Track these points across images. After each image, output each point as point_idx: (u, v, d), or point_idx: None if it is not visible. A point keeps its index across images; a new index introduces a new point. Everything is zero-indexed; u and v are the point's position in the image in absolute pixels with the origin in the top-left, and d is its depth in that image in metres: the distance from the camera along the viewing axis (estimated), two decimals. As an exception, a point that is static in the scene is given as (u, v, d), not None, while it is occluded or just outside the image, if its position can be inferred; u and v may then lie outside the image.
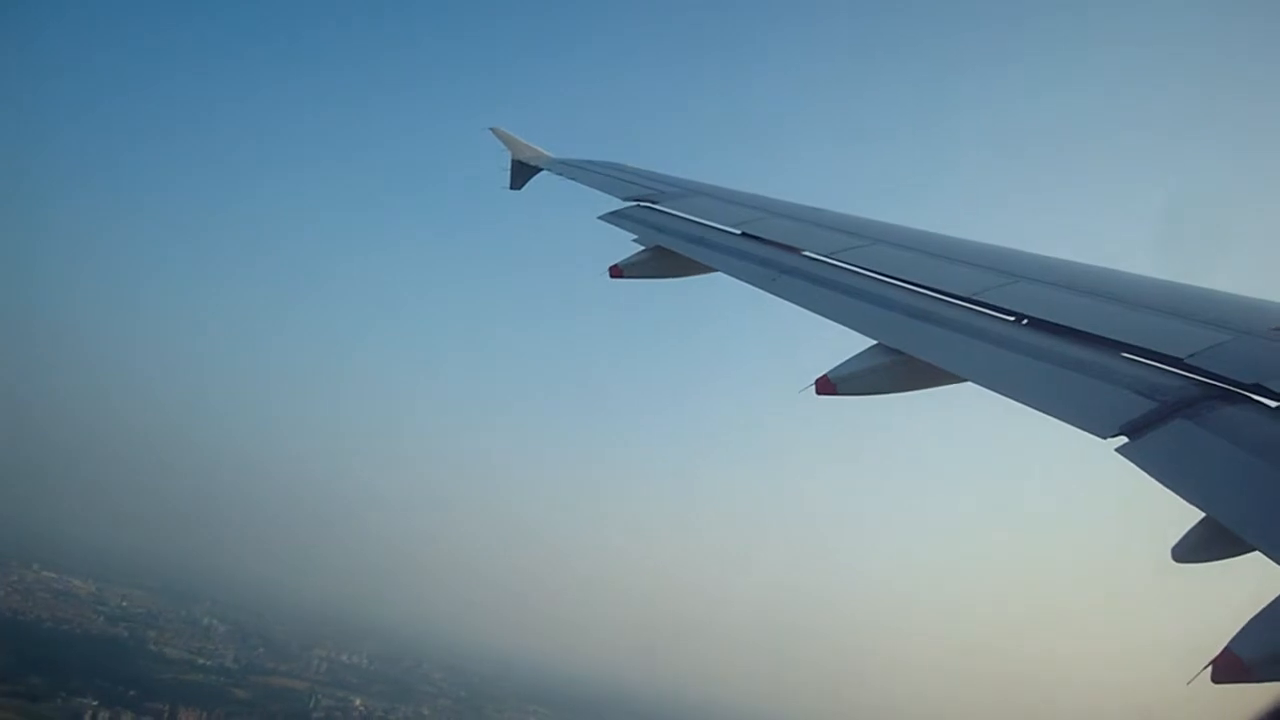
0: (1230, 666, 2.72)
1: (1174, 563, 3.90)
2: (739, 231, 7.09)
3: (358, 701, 78.58)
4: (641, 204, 8.25)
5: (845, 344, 5.10)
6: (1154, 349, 4.17)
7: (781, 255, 6.49)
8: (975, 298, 5.15)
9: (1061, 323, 4.67)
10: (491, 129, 11.43)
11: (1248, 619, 2.80)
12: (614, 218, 8.16)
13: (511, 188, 10.99)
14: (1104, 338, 4.42)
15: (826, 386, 4.91)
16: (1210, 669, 2.74)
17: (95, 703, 60.61)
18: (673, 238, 7.41)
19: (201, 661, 78.25)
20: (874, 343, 5.04)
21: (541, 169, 10.61)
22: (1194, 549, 3.77)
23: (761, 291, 6.04)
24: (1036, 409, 4.04)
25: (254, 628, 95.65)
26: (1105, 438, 3.68)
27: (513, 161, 10.93)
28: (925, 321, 5.15)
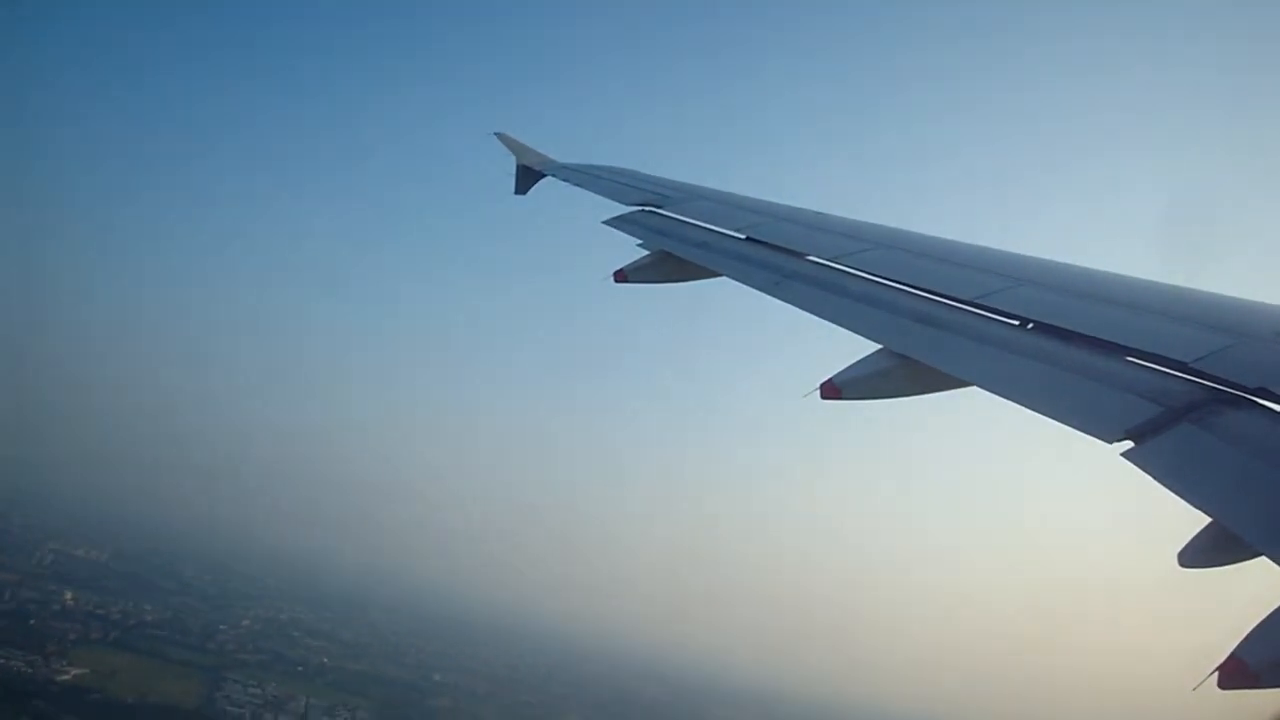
0: (1237, 672, 2.70)
1: (1180, 568, 3.89)
2: (743, 236, 7.10)
3: (68, 595, 71.48)
4: (646, 209, 8.26)
5: (850, 348, 5.08)
6: (1159, 353, 4.14)
7: (786, 260, 6.48)
8: (979, 302, 5.12)
9: (1066, 327, 4.64)
10: (497, 134, 11.44)
11: (1254, 624, 2.79)
12: (618, 222, 8.16)
13: (516, 193, 11.00)
14: (1109, 342, 4.40)
15: (831, 391, 4.87)
16: (1217, 675, 2.72)
17: None
18: (677, 242, 7.42)
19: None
20: (879, 347, 5.01)
21: (546, 174, 10.61)
22: (1200, 554, 3.74)
23: (766, 296, 6.04)
24: (1041, 413, 4.02)
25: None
26: (1111, 442, 3.66)
27: (518, 166, 10.93)
28: (930, 325, 5.13)
